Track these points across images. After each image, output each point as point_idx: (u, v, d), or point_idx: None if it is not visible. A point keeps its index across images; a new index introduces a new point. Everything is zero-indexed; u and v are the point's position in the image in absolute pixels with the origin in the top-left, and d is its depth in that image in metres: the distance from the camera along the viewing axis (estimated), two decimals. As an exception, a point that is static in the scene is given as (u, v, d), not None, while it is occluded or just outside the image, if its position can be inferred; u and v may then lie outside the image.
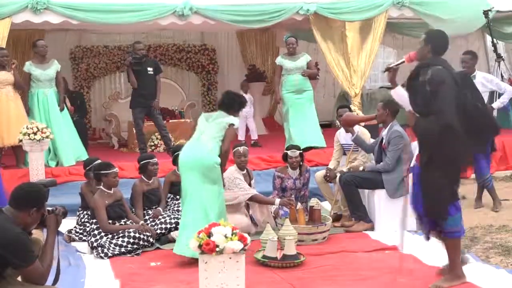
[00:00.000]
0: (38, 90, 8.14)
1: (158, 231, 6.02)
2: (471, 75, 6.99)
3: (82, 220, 6.31)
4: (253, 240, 5.46)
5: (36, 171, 7.40)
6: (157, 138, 9.69)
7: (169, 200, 6.65)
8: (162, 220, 6.14)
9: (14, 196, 3.57)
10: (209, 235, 4.08)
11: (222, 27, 9.95)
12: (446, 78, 4.36)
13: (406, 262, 5.13)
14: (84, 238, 6.07)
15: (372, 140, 6.69)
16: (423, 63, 4.46)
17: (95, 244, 5.65)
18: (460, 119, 4.26)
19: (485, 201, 7.08)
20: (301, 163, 6.65)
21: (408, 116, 4.57)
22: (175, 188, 6.64)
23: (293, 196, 6.47)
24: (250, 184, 6.36)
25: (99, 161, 6.40)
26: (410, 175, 4.79)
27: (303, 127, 8.72)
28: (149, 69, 8.78)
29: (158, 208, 6.37)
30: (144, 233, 5.79)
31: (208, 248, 4.00)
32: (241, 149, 6.37)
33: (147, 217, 6.25)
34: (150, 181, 6.45)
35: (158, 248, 5.86)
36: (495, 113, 7.57)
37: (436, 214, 4.38)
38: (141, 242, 5.74)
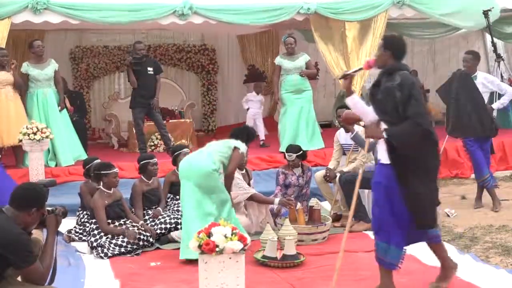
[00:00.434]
0: (37, 90, 8.13)
1: (158, 231, 6.01)
2: (472, 75, 7.00)
3: (82, 220, 6.31)
4: (253, 240, 5.49)
5: (36, 171, 7.40)
6: (157, 138, 9.69)
7: (169, 200, 6.65)
8: (162, 220, 6.14)
9: (14, 196, 3.57)
10: (209, 235, 4.08)
11: (223, 28, 9.95)
12: (415, 82, 4.21)
13: (406, 262, 5.13)
14: (84, 238, 6.07)
15: (371, 140, 6.67)
16: (388, 69, 4.23)
17: (95, 244, 5.64)
18: None
19: (485, 201, 7.09)
20: (301, 162, 6.66)
21: (369, 128, 4.30)
22: (175, 188, 6.64)
23: (293, 195, 6.47)
24: (249, 184, 6.37)
25: (98, 160, 6.40)
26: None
27: (298, 129, 8.73)
28: (149, 69, 8.78)
29: (158, 208, 6.37)
30: (144, 233, 5.79)
31: (208, 248, 4.00)
32: (240, 149, 6.40)
33: (147, 217, 6.25)
34: (149, 181, 6.44)
35: (158, 248, 5.86)
36: (495, 113, 7.58)
37: (427, 225, 4.29)
38: (141, 242, 5.74)
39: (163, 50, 12.15)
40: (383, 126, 4.19)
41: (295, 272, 5.00)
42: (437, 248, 4.50)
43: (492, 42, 10.08)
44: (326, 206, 6.93)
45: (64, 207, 3.81)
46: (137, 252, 5.67)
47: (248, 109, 10.10)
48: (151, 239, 5.85)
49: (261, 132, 9.93)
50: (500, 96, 7.72)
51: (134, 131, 9.17)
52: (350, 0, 9.10)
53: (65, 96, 8.59)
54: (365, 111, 4.44)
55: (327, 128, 11.05)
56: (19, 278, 3.59)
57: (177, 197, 6.59)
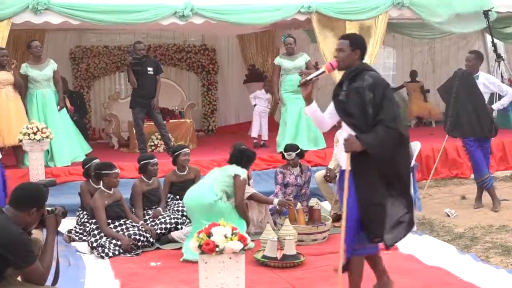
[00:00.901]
0: (36, 91, 8.12)
1: (158, 231, 6.01)
2: (474, 75, 6.99)
3: (82, 220, 6.31)
4: (253, 240, 5.49)
5: (36, 171, 7.40)
6: (157, 138, 9.69)
7: (169, 200, 6.65)
8: (162, 220, 6.14)
9: (14, 196, 3.57)
10: (209, 235, 4.08)
11: (223, 28, 9.94)
12: (389, 83, 3.97)
13: (406, 262, 5.14)
14: (84, 238, 6.07)
15: None
16: (356, 69, 3.94)
17: (95, 244, 5.65)
18: None
19: (485, 201, 7.08)
20: (300, 161, 6.66)
21: (348, 142, 3.85)
22: (175, 188, 6.65)
23: (292, 195, 6.47)
24: (248, 184, 6.36)
25: (97, 160, 6.41)
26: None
27: (299, 129, 8.73)
28: (149, 69, 8.78)
29: (158, 208, 6.37)
30: (144, 233, 5.79)
31: (208, 248, 4.00)
32: (240, 150, 6.41)
33: (147, 217, 6.25)
34: (150, 181, 6.44)
35: (158, 248, 5.86)
36: (494, 114, 7.57)
37: (378, 234, 3.98)
38: (140, 243, 5.74)
39: (163, 50, 12.15)
40: (347, 128, 3.95)
41: (295, 272, 5.00)
42: (376, 260, 4.22)
43: (492, 42, 10.09)
44: (326, 206, 6.93)
45: (64, 207, 3.81)
46: (137, 252, 5.68)
47: (255, 105, 10.08)
48: (151, 239, 5.86)
49: (265, 131, 9.92)
50: (500, 97, 7.71)
51: (134, 131, 9.17)
52: (351, 0, 9.11)
53: (65, 96, 8.59)
54: (322, 120, 4.16)
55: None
56: (19, 278, 3.59)
57: (177, 197, 6.61)
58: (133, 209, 6.32)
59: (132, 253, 5.64)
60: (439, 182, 8.55)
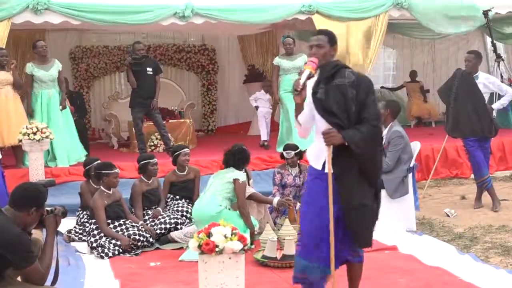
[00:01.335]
0: (41, 91, 8.13)
1: (158, 231, 6.01)
2: (473, 74, 6.99)
3: (82, 220, 6.31)
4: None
5: (36, 171, 7.39)
6: (156, 138, 9.69)
7: (168, 200, 6.65)
8: (162, 220, 6.13)
9: (13, 196, 3.57)
10: (209, 235, 4.08)
11: (223, 29, 9.93)
12: (371, 81, 3.84)
13: (406, 262, 5.14)
14: (83, 238, 6.06)
15: None
16: (335, 65, 3.81)
17: (94, 244, 5.64)
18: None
19: (485, 201, 7.08)
20: (299, 161, 6.65)
21: (330, 134, 3.67)
22: (175, 188, 6.65)
23: (291, 195, 6.47)
24: (248, 184, 6.36)
25: (98, 161, 6.40)
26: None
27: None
28: (149, 69, 8.77)
29: (158, 208, 6.36)
30: (144, 234, 5.79)
31: (208, 248, 4.00)
32: (240, 150, 6.41)
33: (146, 217, 6.24)
34: (149, 181, 6.44)
35: (157, 248, 5.86)
36: (494, 113, 7.57)
37: (367, 243, 3.86)
38: (140, 243, 5.74)
39: (163, 50, 12.15)
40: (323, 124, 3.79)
41: (295, 272, 4.99)
42: (357, 269, 4.04)
43: (492, 42, 10.08)
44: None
45: (63, 207, 3.80)
46: (137, 252, 5.68)
47: (257, 107, 10.07)
48: (150, 239, 5.85)
49: (267, 132, 9.91)
50: (500, 96, 7.71)
51: (134, 131, 9.17)
52: (351, 0, 9.11)
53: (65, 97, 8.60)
54: (311, 126, 3.99)
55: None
56: (19, 278, 3.59)
57: (177, 197, 6.61)
58: (132, 209, 6.31)
59: (131, 253, 5.64)
60: (439, 182, 8.55)
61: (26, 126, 7.39)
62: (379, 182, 3.87)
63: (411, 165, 6.22)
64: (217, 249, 3.99)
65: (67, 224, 6.16)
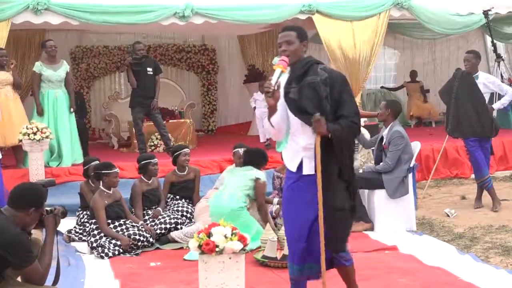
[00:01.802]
0: (48, 90, 8.15)
1: (158, 231, 6.01)
2: (473, 74, 6.99)
3: (82, 220, 6.31)
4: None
5: (36, 171, 7.39)
6: (156, 138, 9.69)
7: (169, 200, 6.65)
8: (162, 220, 6.13)
9: (12, 196, 3.57)
10: (209, 235, 4.07)
11: (223, 29, 9.93)
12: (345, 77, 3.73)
13: (406, 262, 5.13)
14: (83, 238, 6.06)
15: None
16: (307, 62, 3.67)
17: (94, 244, 5.64)
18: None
19: (485, 201, 7.08)
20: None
21: (319, 122, 3.52)
22: (175, 188, 6.65)
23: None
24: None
25: (97, 161, 6.41)
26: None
27: None
28: (149, 69, 8.78)
29: (158, 208, 6.36)
30: (144, 234, 5.79)
31: (208, 248, 4.00)
32: (240, 150, 6.44)
33: (146, 217, 6.24)
34: (149, 181, 6.44)
35: (158, 248, 5.86)
36: (495, 113, 7.57)
37: (341, 247, 3.76)
38: (140, 243, 5.74)
39: (163, 50, 12.16)
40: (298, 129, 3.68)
41: (295, 272, 4.99)
42: (348, 272, 3.91)
43: (492, 42, 10.08)
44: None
45: (63, 207, 3.80)
46: (137, 252, 5.68)
47: (254, 108, 10.06)
48: (151, 239, 5.85)
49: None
50: (500, 96, 7.71)
51: (134, 131, 9.18)
52: (352, 0, 9.10)
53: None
54: (284, 127, 3.80)
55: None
56: (19, 279, 3.59)
57: (177, 197, 6.61)
58: (132, 209, 6.31)
59: (132, 253, 5.64)
60: (439, 182, 8.55)
61: (26, 126, 7.40)
62: (355, 183, 3.77)
63: (411, 165, 6.22)
64: (217, 249, 3.99)
65: (67, 224, 6.16)
